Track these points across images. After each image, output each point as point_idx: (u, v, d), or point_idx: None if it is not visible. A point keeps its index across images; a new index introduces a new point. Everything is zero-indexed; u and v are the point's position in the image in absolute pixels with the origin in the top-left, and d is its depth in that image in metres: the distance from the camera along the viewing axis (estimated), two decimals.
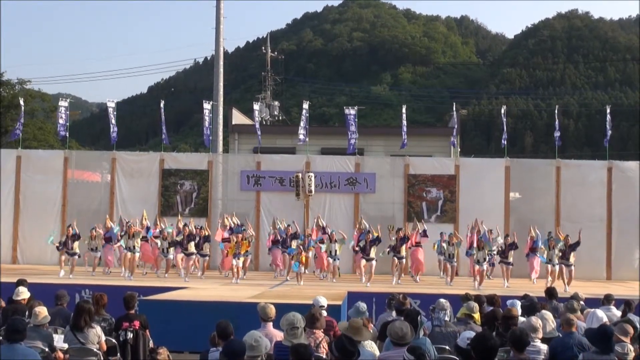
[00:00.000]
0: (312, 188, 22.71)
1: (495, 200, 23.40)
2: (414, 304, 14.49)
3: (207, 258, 21.10)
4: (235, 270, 19.14)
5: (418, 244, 20.54)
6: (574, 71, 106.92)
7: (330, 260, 19.94)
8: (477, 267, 18.95)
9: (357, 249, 20.07)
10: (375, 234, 19.71)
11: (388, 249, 20.23)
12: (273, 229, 21.21)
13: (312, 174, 22.87)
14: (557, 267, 19.24)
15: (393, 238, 20.08)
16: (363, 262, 19.53)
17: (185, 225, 20.56)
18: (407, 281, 20.17)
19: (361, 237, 19.92)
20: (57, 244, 20.14)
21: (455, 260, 19.94)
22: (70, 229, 20.21)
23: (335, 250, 19.90)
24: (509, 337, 7.18)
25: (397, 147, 24.68)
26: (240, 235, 19.60)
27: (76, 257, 19.95)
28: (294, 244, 19.98)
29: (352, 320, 7.85)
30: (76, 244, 19.99)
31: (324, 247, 19.98)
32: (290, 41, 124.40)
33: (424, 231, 20.80)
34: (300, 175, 22.67)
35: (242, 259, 19.40)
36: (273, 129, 38.33)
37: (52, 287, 14.06)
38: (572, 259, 19.15)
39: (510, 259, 19.63)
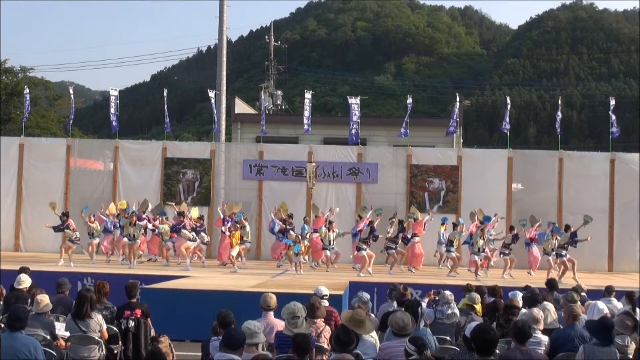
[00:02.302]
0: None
1: (497, 191, 23.38)
2: (415, 294, 14.51)
3: (206, 246, 21.16)
4: (232, 259, 19.35)
5: (415, 235, 20.55)
6: (578, 62, 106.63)
7: (327, 251, 19.85)
8: (475, 257, 18.92)
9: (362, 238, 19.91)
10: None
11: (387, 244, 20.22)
12: (276, 217, 21.17)
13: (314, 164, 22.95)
14: (551, 258, 19.16)
15: (389, 230, 20.06)
16: (366, 252, 19.48)
17: (180, 213, 20.52)
18: (408, 271, 20.17)
19: (366, 227, 19.89)
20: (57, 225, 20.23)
21: (454, 249, 19.91)
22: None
23: (331, 240, 19.85)
24: (511, 329, 7.17)
25: (399, 138, 24.63)
26: (235, 225, 19.75)
27: (75, 245, 20.07)
28: (292, 234, 20.08)
29: (355, 312, 7.87)
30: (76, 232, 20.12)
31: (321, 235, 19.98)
32: (294, 30, 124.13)
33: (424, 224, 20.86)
34: (313, 165, 22.79)
35: (237, 248, 19.50)
36: (276, 118, 38.24)
37: (54, 275, 14.10)
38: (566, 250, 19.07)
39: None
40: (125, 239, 19.91)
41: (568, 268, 18.83)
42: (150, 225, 20.47)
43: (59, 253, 20.04)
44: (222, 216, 20.56)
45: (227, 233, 19.87)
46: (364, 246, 19.21)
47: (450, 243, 19.88)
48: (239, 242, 19.81)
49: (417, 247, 20.57)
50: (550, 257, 19.07)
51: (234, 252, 19.53)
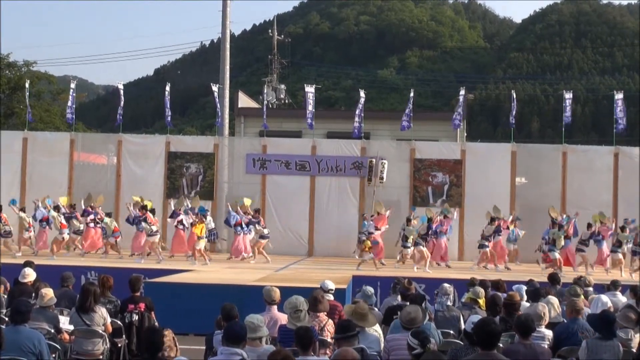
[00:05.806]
0: (385, 174, 22.95)
1: (501, 185, 23.32)
2: (419, 288, 14.51)
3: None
4: (196, 253, 19.26)
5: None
6: (582, 56, 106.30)
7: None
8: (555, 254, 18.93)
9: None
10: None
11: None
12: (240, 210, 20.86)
13: (385, 161, 23.10)
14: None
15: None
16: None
17: (144, 207, 20.36)
18: (409, 266, 19.98)
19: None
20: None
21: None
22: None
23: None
24: (515, 323, 7.17)
25: (403, 132, 24.60)
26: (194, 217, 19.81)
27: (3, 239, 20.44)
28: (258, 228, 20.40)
29: (357, 305, 7.88)
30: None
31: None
32: (297, 24, 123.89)
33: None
34: (373, 160, 22.96)
35: (202, 241, 19.45)
36: (279, 112, 38.24)
37: (58, 268, 14.12)
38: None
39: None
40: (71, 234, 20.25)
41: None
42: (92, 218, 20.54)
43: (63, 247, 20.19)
44: (173, 210, 20.73)
45: (180, 227, 19.95)
46: (422, 242, 19.24)
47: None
48: (203, 235, 19.55)
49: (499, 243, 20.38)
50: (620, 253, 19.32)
51: (200, 246, 19.33)
